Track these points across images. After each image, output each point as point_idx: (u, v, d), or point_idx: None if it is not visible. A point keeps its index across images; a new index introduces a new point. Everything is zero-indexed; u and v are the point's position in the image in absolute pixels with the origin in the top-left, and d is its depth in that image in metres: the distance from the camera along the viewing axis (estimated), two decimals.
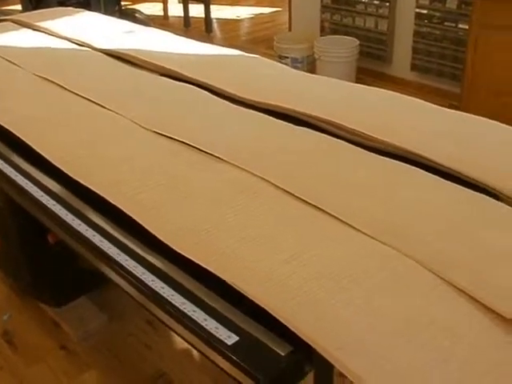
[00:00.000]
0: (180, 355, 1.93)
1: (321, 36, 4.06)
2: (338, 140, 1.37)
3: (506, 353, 0.83)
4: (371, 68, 3.95)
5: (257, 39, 5.02)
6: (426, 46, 3.61)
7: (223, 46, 2.16)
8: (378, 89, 1.67)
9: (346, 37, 3.90)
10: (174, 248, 1.00)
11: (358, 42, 3.81)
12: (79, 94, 1.66)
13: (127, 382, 1.83)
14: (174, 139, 1.37)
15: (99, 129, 1.45)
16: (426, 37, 3.59)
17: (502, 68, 2.85)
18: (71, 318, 1.99)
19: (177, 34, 2.29)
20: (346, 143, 1.35)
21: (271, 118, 1.49)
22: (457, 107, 1.58)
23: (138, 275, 0.98)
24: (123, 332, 2.00)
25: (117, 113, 1.53)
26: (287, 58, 3.97)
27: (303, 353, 0.84)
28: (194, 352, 1.90)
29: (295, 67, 3.71)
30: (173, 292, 0.94)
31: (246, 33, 5.41)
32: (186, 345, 1.89)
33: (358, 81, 3.67)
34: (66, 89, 1.71)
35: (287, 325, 0.83)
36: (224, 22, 5.64)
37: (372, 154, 1.31)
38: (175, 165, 1.27)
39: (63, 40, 2.24)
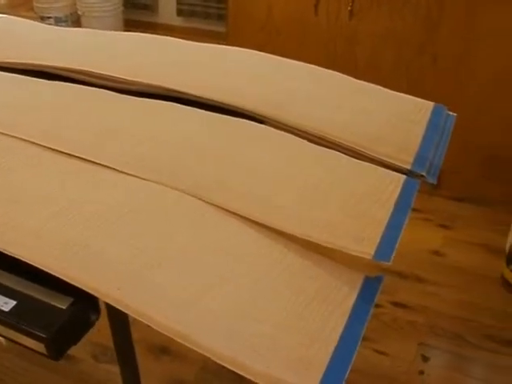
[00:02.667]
0: None
1: None
2: (94, 88, 1.34)
3: (272, 262, 0.89)
4: (139, 19, 3.90)
5: (15, 2, 4.68)
6: None
7: None
8: (135, 33, 1.65)
9: None
10: None
11: None
12: None
13: None
14: None
15: None
16: None
17: (259, 4, 2.96)
18: None
19: None
20: (103, 90, 1.33)
21: (22, 76, 1.41)
22: None
23: None
24: None
25: None
26: (50, 18, 3.78)
27: (86, 302, 0.83)
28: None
29: (60, 26, 3.55)
30: None
31: None
32: None
33: None
34: None
35: (61, 276, 0.81)
36: None
37: (131, 96, 1.30)
38: None
39: None
